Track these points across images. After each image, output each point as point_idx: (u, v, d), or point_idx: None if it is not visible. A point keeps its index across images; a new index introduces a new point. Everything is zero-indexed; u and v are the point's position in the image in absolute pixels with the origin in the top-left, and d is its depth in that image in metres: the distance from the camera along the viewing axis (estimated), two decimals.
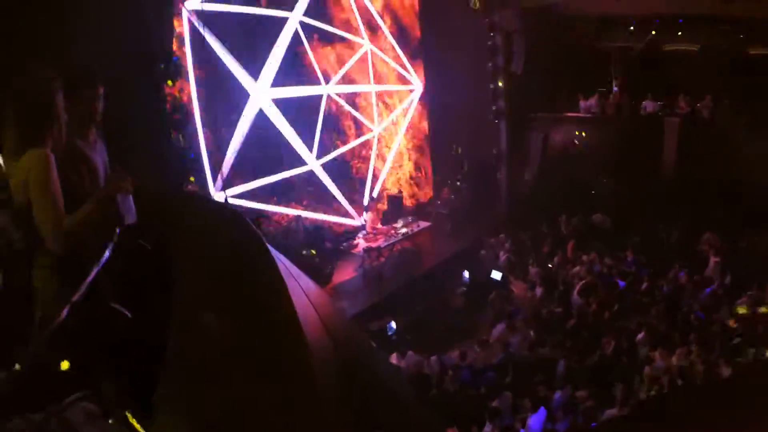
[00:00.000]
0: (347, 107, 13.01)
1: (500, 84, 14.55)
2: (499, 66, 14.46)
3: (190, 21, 9.56)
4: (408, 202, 14.63)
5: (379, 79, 13.86)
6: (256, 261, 3.00)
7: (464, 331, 10.20)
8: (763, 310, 8.47)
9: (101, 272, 2.45)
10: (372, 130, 13.59)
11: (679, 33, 13.68)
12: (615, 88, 15.12)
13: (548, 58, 14.24)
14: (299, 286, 3.22)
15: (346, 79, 12.94)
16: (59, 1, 6.24)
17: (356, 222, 12.70)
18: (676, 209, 12.02)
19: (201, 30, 9.15)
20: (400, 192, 14.52)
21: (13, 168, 2.29)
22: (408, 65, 14.48)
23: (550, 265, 11.52)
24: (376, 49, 13.48)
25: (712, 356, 7.43)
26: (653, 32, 13.95)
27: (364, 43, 13.15)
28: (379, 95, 13.98)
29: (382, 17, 13.83)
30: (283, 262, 3.34)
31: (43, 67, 2.42)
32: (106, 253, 2.49)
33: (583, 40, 14.81)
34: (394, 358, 8.75)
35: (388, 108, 14.48)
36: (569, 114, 14.87)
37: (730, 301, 8.94)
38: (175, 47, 9.05)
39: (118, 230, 2.56)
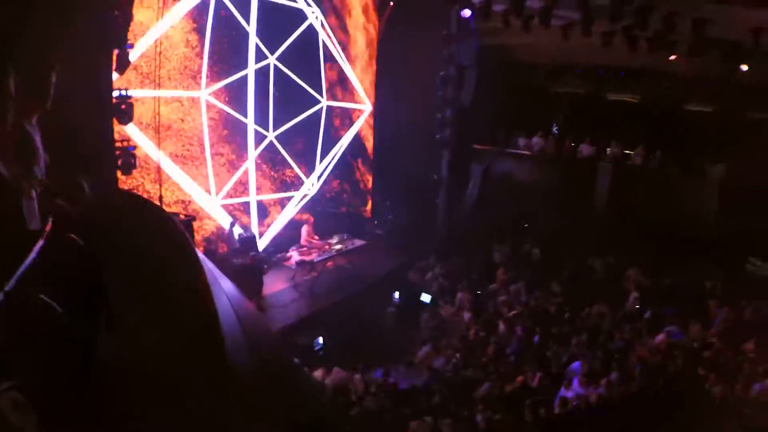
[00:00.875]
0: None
1: (447, 114, 14.94)
2: (448, 96, 14.84)
3: None
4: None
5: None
6: (184, 265, 2.98)
7: (393, 350, 10.17)
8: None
9: (33, 263, 2.37)
10: None
11: (621, 84, 14.58)
12: (555, 130, 15.85)
13: (497, 94, 14.80)
14: (224, 293, 3.20)
15: None
16: None
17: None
18: (604, 245, 12.59)
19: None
20: (338, 207, 14.52)
21: None
22: (359, 86, 14.65)
23: (479, 291, 11.73)
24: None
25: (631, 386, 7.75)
26: (597, 81, 14.80)
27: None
28: None
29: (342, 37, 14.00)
30: (210, 269, 3.31)
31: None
32: (38, 244, 2.42)
33: (532, 82, 15.49)
34: (319, 373, 8.62)
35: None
36: (511, 150, 15.39)
37: (649, 334, 9.40)
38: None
39: (49, 222, 2.50)
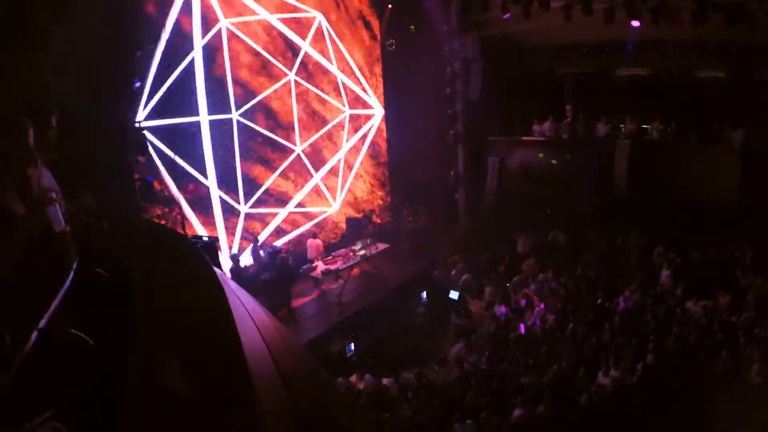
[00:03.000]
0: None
1: (458, 109, 14.90)
2: (457, 92, 14.79)
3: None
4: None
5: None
6: (204, 289, 3.01)
7: (425, 350, 10.18)
8: None
9: (62, 300, 2.48)
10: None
11: (629, 58, 14.27)
12: (568, 112, 15.62)
13: (505, 84, 14.69)
14: (249, 315, 3.23)
15: None
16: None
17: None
18: (629, 224, 12.38)
19: None
20: (362, 214, 14.58)
21: None
22: (369, 90, 14.69)
23: (507, 284, 11.64)
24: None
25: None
26: (604, 58, 14.53)
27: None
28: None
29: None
30: (233, 290, 3.35)
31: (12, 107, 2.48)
32: (68, 280, 2.52)
33: (538, 67, 15.26)
34: (353, 379, 8.68)
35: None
36: (525, 138, 15.24)
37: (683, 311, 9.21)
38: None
39: (77, 258, 2.60)
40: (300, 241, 12.96)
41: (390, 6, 14.53)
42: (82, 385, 2.42)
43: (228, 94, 11.17)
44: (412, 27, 14.22)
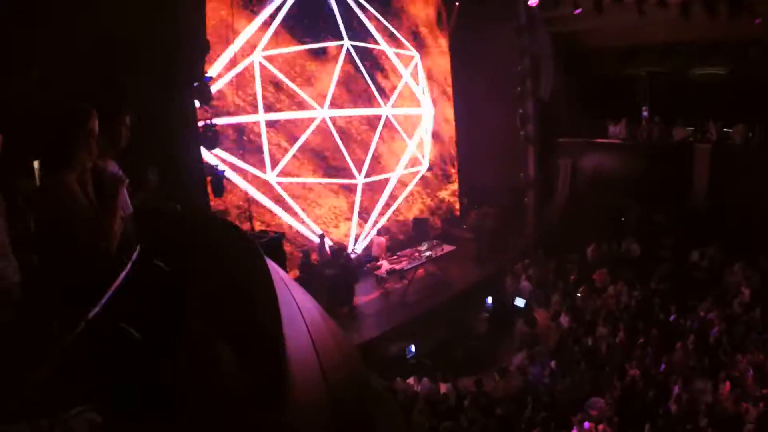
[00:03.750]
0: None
1: (528, 109, 14.53)
2: (527, 91, 14.43)
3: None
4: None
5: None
6: (258, 297, 3.04)
7: (486, 357, 10.06)
8: None
9: (117, 290, 2.54)
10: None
11: (707, 57, 13.40)
12: (644, 114, 14.89)
13: (576, 83, 14.19)
14: (300, 314, 3.24)
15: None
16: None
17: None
18: (707, 237, 11.68)
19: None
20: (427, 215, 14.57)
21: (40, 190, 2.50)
22: (418, 89, 14.60)
23: (579, 294, 11.27)
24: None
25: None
26: (680, 57, 13.71)
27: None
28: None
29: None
30: (293, 296, 3.37)
31: (81, 100, 2.65)
32: (124, 271, 2.60)
33: (610, 66, 14.67)
34: (411, 381, 8.70)
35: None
36: (598, 140, 14.66)
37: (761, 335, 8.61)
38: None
39: (137, 249, 2.69)
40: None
41: (457, 3, 14.37)
42: (122, 378, 2.50)
43: None
44: None
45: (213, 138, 9.03)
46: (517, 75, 14.34)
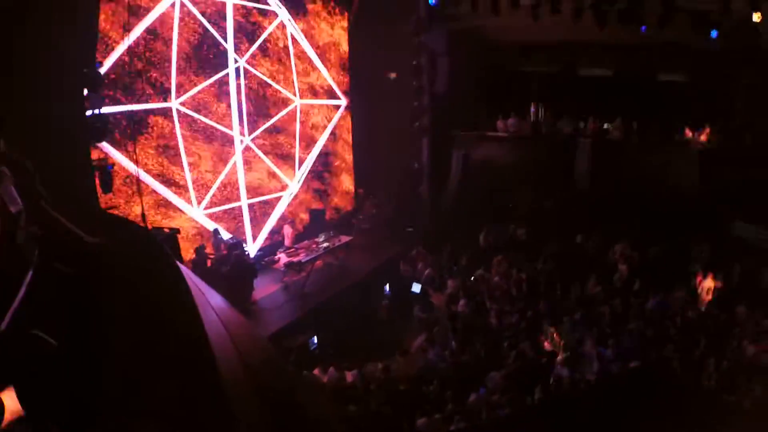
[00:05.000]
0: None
1: (424, 102, 14.91)
2: (423, 85, 14.80)
3: None
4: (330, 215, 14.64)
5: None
6: (168, 284, 2.96)
7: (388, 343, 10.18)
8: None
9: (23, 298, 2.37)
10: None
11: (594, 59, 14.57)
12: (533, 110, 15.86)
13: (472, 79, 14.77)
14: (211, 307, 3.17)
15: None
16: None
17: None
18: (589, 221, 12.66)
19: None
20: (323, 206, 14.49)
21: None
22: (332, 82, 14.57)
23: (473, 277, 11.74)
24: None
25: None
26: (569, 57, 14.79)
27: None
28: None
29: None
30: (196, 283, 3.28)
31: None
32: (27, 278, 2.42)
33: (504, 64, 15.43)
34: (317, 372, 8.62)
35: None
36: (489, 133, 15.37)
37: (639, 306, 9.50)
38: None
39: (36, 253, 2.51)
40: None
41: None
42: (45, 384, 2.32)
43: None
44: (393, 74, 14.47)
45: (101, 129, 8.35)
46: (414, 70, 14.65)
